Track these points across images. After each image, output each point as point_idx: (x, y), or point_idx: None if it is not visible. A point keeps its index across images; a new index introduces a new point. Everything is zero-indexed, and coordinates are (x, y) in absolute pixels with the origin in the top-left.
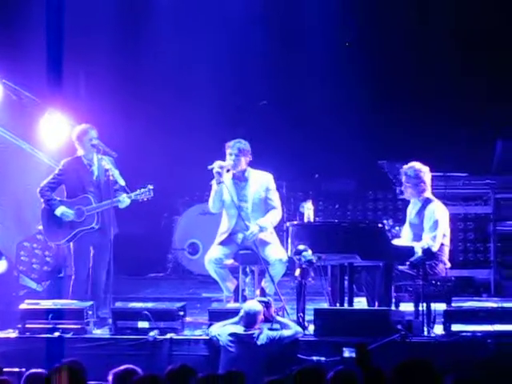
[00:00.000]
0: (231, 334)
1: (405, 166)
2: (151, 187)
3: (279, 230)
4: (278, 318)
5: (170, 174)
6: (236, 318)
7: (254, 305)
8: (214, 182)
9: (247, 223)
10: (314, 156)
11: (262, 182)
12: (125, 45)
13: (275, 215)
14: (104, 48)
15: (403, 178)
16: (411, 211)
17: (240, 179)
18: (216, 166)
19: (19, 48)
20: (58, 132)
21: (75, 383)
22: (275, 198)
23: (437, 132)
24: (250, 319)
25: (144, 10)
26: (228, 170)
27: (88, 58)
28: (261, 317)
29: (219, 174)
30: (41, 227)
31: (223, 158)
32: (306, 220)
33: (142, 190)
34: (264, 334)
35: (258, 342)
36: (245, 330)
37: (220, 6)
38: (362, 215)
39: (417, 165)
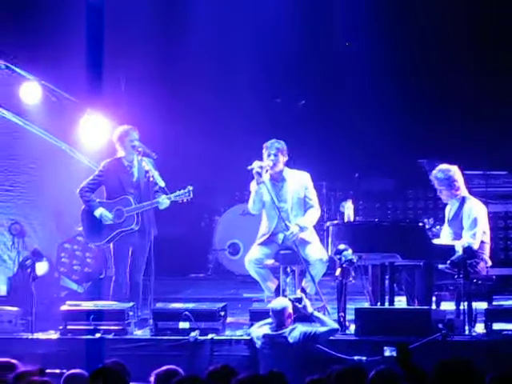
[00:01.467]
0: (263, 336)
1: (433, 172)
2: (191, 188)
3: (319, 229)
4: (316, 314)
5: (210, 175)
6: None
7: (278, 302)
8: (253, 183)
9: (287, 223)
10: (353, 156)
11: (299, 181)
12: (164, 46)
13: (314, 214)
14: (144, 49)
15: (435, 183)
16: (449, 211)
17: (278, 180)
18: (255, 166)
19: (58, 49)
20: (97, 133)
21: None
22: (313, 197)
23: (476, 130)
24: (277, 317)
25: (183, 12)
26: (267, 171)
27: (128, 59)
28: (288, 313)
29: (259, 174)
30: (81, 228)
31: (262, 158)
32: (346, 219)
33: (182, 191)
34: (297, 330)
35: (291, 340)
36: (276, 330)
37: (258, 7)
38: (402, 214)
39: (444, 166)
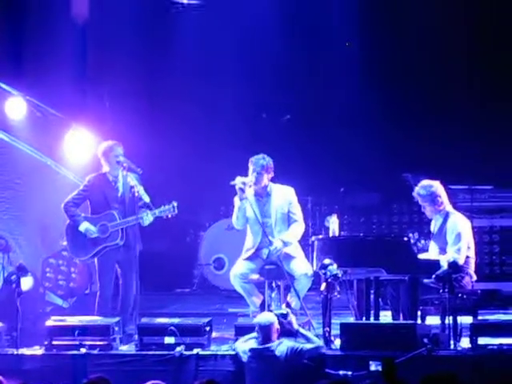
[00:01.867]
0: (250, 350)
1: (416, 189)
2: (175, 204)
3: (304, 244)
4: (302, 331)
5: (195, 190)
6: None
7: (265, 317)
8: (236, 198)
9: (271, 238)
10: (338, 170)
11: (284, 196)
12: (149, 61)
13: (297, 229)
14: (128, 64)
15: (419, 200)
16: (434, 226)
17: (262, 195)
18: (238, 181)
19: (43, 65)
20: (82, 148)
21: None
22: (297, 212)
23: (462, 145)
24: (264, 332)
25: (167, 28)
26: (250, 186)
27: (112, 75)
28: (275, 328)
29: (241, 189)
30: (65, 243)
31: (247, 174)
32: (331, 234)
33: (167, 206)
34: (283, 345)
35: (278, 354)
36: (261, 344)
37: (242, 22)
38: (387, 229)
39: (425, 182)
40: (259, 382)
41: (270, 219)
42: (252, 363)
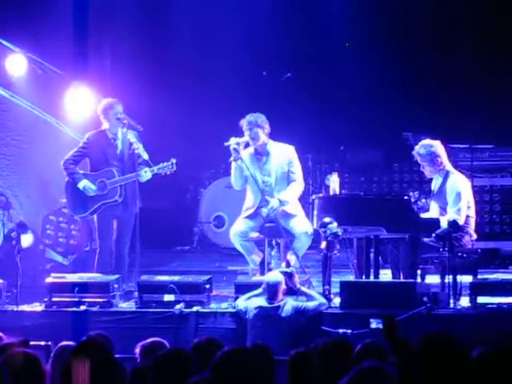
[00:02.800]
0: (257, 308)
1: (415, 148)
2: (174, 161)
3: (305, 202)
4: (303, 289)
5: (196, 147)
6: (260, 290)
7: (274, 276)
8: (232, 160)
9: (268, 198)
10: (339, 128)
11: (284, 154)
12: (149, 20)
13: (296, 188)
14: (129, 21)
15: (418, 159)
16: (434, 186)
17: (261, 154)
18: (232, 142)
19: (44, 21)
20: (83, 105)
21: (102, 356)
22: (297, 171)
23: (462, 103)
24: (271, 290)
25: None
26: (247, 146)
27: (113, 32)
28: (282, 287)
29: (236, 150)
30: (65, 200)
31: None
32: (331, 193)
33: (165, 163)
34: (288, 304)
35: (283, 314)
36: (269, 303)
37: None
38: (387, 187)
39: (425, 141)
40: (261, 339)
41: (270, 178)
42: (257, 321)
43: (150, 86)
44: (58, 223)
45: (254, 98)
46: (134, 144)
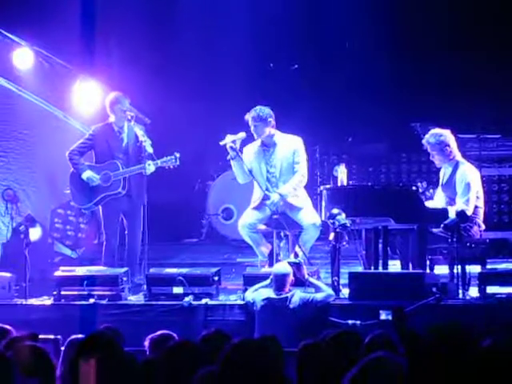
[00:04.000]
0: (264, 299)
1: (425, 137)
2: (178, 155)
3: (313, 194)
4: (311, 280)
5: (203, 140)
6: (267, 281)
7: (282, 267)
8: (229, 158)
9: (267, 193)
10: (346, 120)
11: (290, 146)
12: (156, 13)
13: (296, 180)
14: (136, 15)
15: (428, 148)
16: (443, 176)
17: (268, 145)
18: (228, 140)
19: (51, 15)
20: (90, 98)
21: (110, 350)
22: (301, 161)
23: (469, 94)
24: (279, 281)
25: None
26: (250, 140)
27: (120, 26)
28: (290, 278)
29: (232, 148)
30: (68, 191)
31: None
32: (339, 184)
33: (168, 157)
34: (296, 296)
35: (291, 306)
36: (277, 294)
37: None
38: (395, 178)
39: (435, 130)
40: (269, 331)
41: (276, 169)
42: (264, 312)
43: (156, 80)
44: (66, 216)
45: (261, 90)
46: (141, 137)
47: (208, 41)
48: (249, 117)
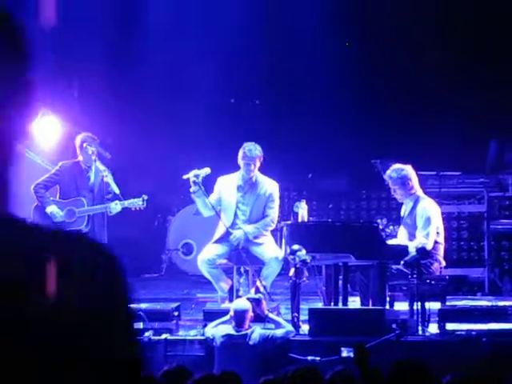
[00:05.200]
0: (224, 336)
1: (387, 172)
2: (145, 197)
3: (273, 230)
4: (271, 316)
5: (163, 175)
6: (227, 317)
7: (242, 303)
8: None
9: (230, 230)
10: (307, 156)
11: (266, 188)
12: (117, 51)
13: (264, 224)
14: (96, 49)
15: (390, 183)
16: (404, 211)
17: (246, 182)
18: (191, 175)
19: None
20: (50, 134)
21: None
22: (274, 207)
23: (431, 131)
24: (239, 318)
25: (136, 14)
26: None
27: (80, 60)
28: (250, 315)
29: (195, 182)
30: None
31: (217, 158)
32: (300, 220)
33: (136, 199)
34: (256, 332)
35: (251, 342)
36: (237, 331)
37: (211, 9)
38: (355, 215)
39: (397, 166)
40: (230, 367)
41: (248, 207)
42: (224, 349)
43: (116, 114)
44: None
45: (222, 124)
46: (103, 172)
47: (170, 77)
48: (247, 153)
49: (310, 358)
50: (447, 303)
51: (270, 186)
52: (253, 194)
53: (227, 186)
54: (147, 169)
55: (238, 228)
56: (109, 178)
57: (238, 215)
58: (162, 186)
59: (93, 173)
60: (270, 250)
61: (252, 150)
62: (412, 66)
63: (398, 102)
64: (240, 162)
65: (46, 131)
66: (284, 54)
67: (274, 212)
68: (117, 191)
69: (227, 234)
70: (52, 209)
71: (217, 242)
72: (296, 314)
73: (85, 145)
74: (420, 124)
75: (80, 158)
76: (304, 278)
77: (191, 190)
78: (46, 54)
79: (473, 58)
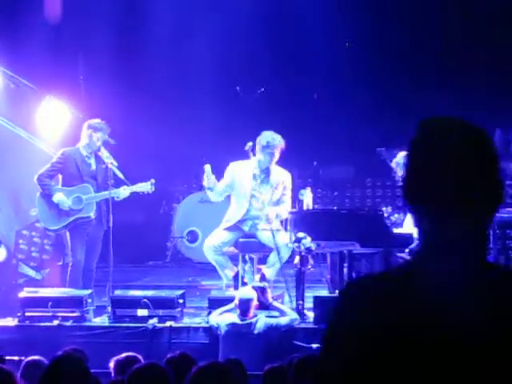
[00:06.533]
0: (229, 324)
1: (394, 160)
2: (153, 181)
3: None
4: (275, 304)
5: (169, 162)
6: (232, 305)
7: (246, 292)
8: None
9: (256, 213)
10: (312, 144)
11: (282, 179)
12: (123, 35)
13: (282, 209)
14: (103, 34)
15: (397, 170)
16: None
17: (263, 171)
18: (208, 171)
19: (16, 35)
20: (56, 120)
21: (78, 371)
22: (288, 196)
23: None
24: (244, 306)
25: (143, 2)
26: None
27: (87, 46)
28: (254, 303)
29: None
30: (35, 213)
31: (222, 147)
32: (304, 208)
33: (144, 183)
34: (261, 321)
35: (255, 331)
36: (241, 319)
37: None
38: (360, 202)
39: (404, 152)
40: (234, 355)
41: (262, 196)
42: (229, 337)
43: (123, 101)
44: (30, 238)
45: (227, 112)
46: (106, 159)
47: (175, 64)
48: (270, 141)
49: (314, 345)
50: None
51: (283, 177)
52: (268, 184)
53: (242, 172)
54: (151, 156)
55: (251, 215)
56: (113, 165)
57: (252, 203)
58: (167, 173)
59: (93, 160)
60: (280, 237)
61: (275, 138)
62: (417, 51)
63: (403, 90)
64: (260, 150)
65: (52, 118)
66: (291, 40)
67: (289, 200)
68: (121, 176)
69: (240, 220)
70: (59, 197)
71: (228, 228)
72: (301, 302)
73: (90, 131)
74: (424, 112)
75: (82, 142)
76: (309, 266)
77: (207, 185)
78: (51, 37)
79: (475, 41)
